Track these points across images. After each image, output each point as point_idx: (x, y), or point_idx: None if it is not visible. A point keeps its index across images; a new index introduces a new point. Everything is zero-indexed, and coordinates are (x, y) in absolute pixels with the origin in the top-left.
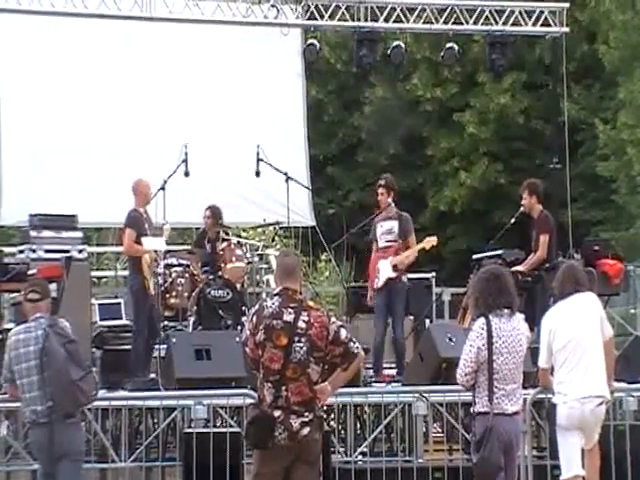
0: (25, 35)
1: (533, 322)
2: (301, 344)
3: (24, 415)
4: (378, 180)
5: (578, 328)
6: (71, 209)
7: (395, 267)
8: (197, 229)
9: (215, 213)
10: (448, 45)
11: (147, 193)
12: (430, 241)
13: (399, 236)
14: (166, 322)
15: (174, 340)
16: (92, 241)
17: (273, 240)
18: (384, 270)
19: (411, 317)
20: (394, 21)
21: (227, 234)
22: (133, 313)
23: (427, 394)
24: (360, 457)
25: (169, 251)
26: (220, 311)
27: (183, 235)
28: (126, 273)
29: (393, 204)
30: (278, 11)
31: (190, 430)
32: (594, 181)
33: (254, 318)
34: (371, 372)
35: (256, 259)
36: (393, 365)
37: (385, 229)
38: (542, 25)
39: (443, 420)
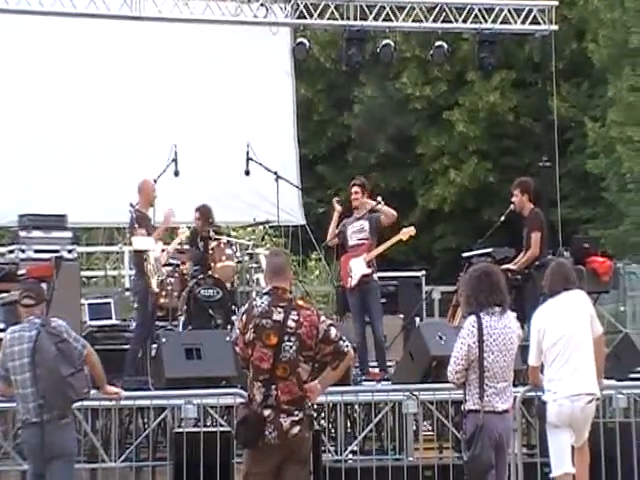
0: (15, 35)
1: (523, 320)
2: (291, 343)
3: (18, 412)
4: (351, 182)
5: (568, 326)
6: (61, 209)
7: (369, 263)
8: (188, 228)
9: (204, 213)
10: (437, 43)
11: (151, 195)
12: (407, 232)
13: (370, 234)
14: (156, 322)
15: (164, 340)
16: (82, 241)
17: (263, 239)
18: (357, 268)
19: (401, 315)
20: (383, 20)
21: (218, 233)
22: (136, 314)
23: (417, 392)
24: (350, 456)
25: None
26: (210, 310)
27: (173, 235)
28: (115, 273)
29: (365, 205)
30: (267, 10)
31: (180, 430)
32: (583, 179)
33: (244, 317)
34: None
35: (246, 258)
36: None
37: (356, 228)
38: (531, 23)
39: (433, 418)
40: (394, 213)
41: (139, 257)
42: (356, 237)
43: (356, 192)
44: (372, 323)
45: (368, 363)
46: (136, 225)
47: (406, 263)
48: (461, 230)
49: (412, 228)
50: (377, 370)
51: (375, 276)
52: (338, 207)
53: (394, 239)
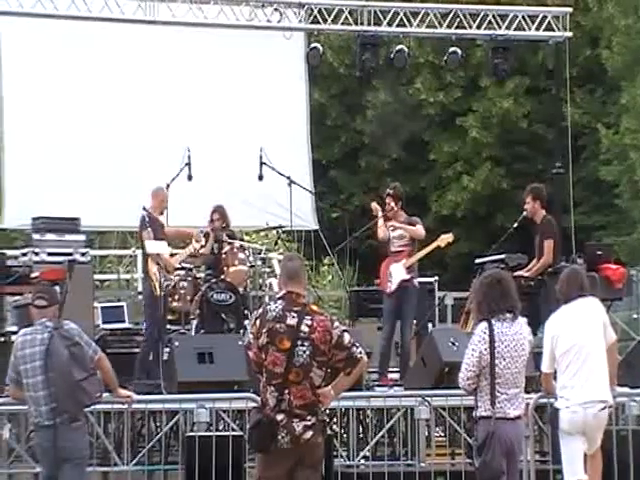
0: (29, 38)
1: (536, 327)
2: (304, 348)
3: (30, 414)
4: (387, 189)
5: (581, 333)
6: (74, 212)
7: (409, 269)
8: (200, 232)
9: (223, 214)
10: (451, 49)
11: (162, 199)
12: (445, 238)
13: (410, 240)
14: (169, 325)
15: (176, 343)
16: (95, 244)
17: (276, 244)
18: (397, 273)
19: (413, 321)
20: (397, 25)
21: (231, 237)
22: (145, 317)
23: (429, 398)
24: (362, 461)
25: (173, 254)
26: (223, 314)
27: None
28: (128, 276)
29: (402, 211)
30: (281, 15)
31: (192, 434)
32: (597, 186)
33: (257, 322)
34: (374, 375)
35: (259, 263)
36: (396, 369)
37: (397, 234)
38: (545, 30)
39: (445, 424)
40: (421, 234)
41: (145, 261)
42: (397, 243)
43: (389, 203)
44: (402, 329)
45: (388, 368)
46: (149, 228)
47: (419, 269)
48: (474, 236)
49: (450, 235)
50: (392, 375)
51: (415, 282)
52: (377, 209)
53: (432, 246)
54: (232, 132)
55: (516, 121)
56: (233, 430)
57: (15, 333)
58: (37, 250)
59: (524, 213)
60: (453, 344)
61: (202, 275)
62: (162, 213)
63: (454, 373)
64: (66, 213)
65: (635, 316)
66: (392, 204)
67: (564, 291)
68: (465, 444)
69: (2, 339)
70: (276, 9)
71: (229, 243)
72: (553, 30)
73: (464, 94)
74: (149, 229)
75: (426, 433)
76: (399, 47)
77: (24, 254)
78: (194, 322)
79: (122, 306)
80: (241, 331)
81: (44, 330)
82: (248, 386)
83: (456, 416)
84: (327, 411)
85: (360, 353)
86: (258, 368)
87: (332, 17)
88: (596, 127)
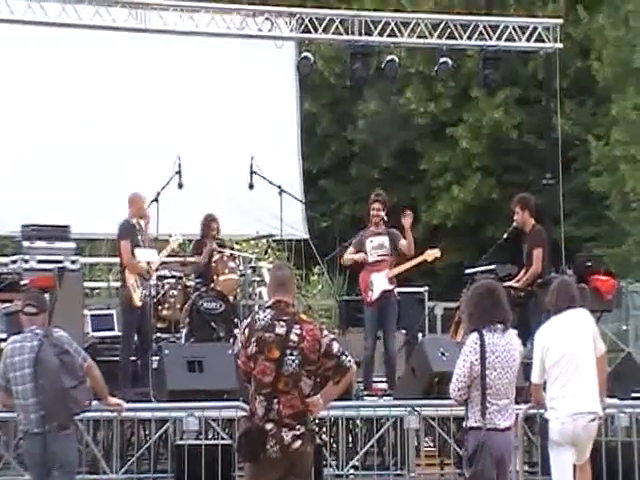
0: (18, 45)
1: (526, 337)
2: (293, 357)
3: (19, 422)
4: (372, 196)
5: (571, 344)
6: (64, 220)
7: (391, 279)
8: (190, 241)
9: (219, 223)
10: (442, 60)
11: (140, 206)
12: (432, 254)
13: (391, 250)
14: (158, 334)
15: (166, 352)
16: (85, 252)
17: (266, 252)
18: (378, 283)
19: (403, 331)
20: (388, 35)
21: (221, 246)
22: (121, 325)
23: (419, 408)
24: (352, 471)
25: (163, 263)
26: (212, 323)
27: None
28: (118, 284)
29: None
30: (272, 24)
31: (182, 442)
32: (587, 197)
33: (246, 330)
34: (362, 386)
35: (249, 271)
36: (383, 379)
37: (376, 244)
38: (536, 41)
39: (435, 434)
40: (412, 250)
41: (122, 271)
42: (376, 253)
43: (378, 209)
44: (385, 339)
45: (372, 378)
46: (129, 237)
47: (408, 279)
48: (464, 246)
49: (437, 250)
50: (381, 385)
51: (396, 292)
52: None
53: (418, 259)
54: (223, 141)
55: (506, 132)
56: (222, 439)
57: (4, 340)
58: (27, 257)
59: (514, 224)
60: (443, 354)
61: (192, 283)
62: (142, 218)
63: (444, 383)
64: (56, 221)
65: (624, 327)
66: (382, 211)
67: (554, 302)
68: (454, 454)
69: None
70: (267, 18)
71: (219, 252)
72: (544, 41)
73: (454, 104)
74: (128, 239)
75: (415, 443)
76: (390, 57)
77: (14, 261)
78: (184, 330)
79: (112, 314)
80: (231, 340)
81: (34, 338)
82: (238, 395)
83: (445, 426)
84: (316, 420)
85: (349, 362)
86: (246, 377)
87: (323, 27)
88: (586, 138)
